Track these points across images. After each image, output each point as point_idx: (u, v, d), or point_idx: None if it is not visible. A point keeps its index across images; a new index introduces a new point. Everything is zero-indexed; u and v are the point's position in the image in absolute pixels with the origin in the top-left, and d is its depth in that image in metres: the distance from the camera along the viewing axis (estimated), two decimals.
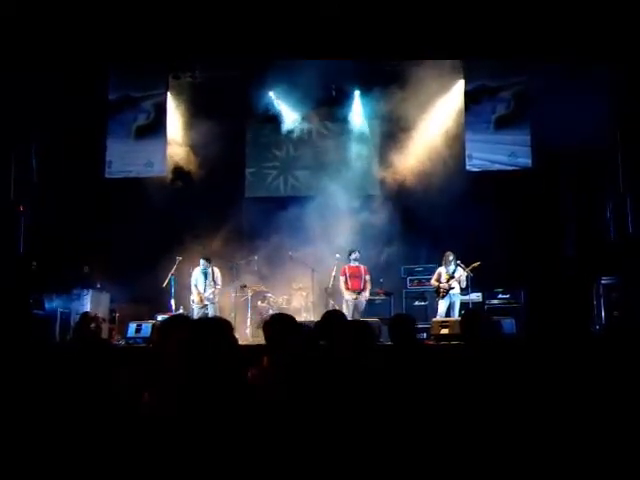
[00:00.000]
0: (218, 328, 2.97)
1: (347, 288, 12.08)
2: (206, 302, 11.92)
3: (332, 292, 12.24)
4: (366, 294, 12.14)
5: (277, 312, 4.45)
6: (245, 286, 12.27)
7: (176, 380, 2.78)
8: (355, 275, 12.10)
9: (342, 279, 12.14)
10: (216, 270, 12.11)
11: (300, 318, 11.38)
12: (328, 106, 14.10)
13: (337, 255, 12.26)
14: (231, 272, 12.58)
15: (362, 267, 12.18)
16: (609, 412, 3.26)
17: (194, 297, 12.00)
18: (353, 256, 12.13)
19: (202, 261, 12.01)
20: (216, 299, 12.07)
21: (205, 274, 12.00)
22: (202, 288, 11.97)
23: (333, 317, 4.69)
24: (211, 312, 11.81)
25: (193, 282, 12.05)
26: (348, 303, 12.02)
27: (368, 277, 12.17)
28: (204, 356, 2.80)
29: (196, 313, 11.85)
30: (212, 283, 11.94)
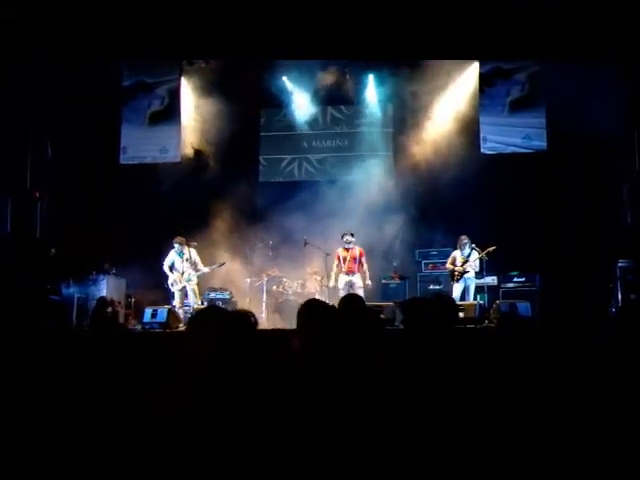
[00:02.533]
0: (250, 325, 2.96)
1: (341, 271, 11.98)
2: (184, 284, 11.80)
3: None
4: (367, 280, 11.97)
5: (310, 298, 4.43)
6: (224, 263, 12.16)
7: (197, 378, 2.76)
8: (348, 258, 11.96)
9: (335, 263, 12.09)
10: (193, 251, 11.94)
11: None
12: (342, 90, 14.05)
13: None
14: (246, 256, 12.62)
15: (357, 249, 12.04)
16: (625, 400, 3.26)
17: (172, 280, 11.82)
18: (345, 239, 11.96)
19: (176, 244, 11.83)
20: (195, 280, 11.95)
21: (181, 256, 11.86)
22: (180, 270, 11.86)
23: (350, 302, 4.69)
24: (190, 293, 11.79)
25: (168, 264, 11.85)
26: (341, 285, 11.93)
27: (364, 260, 12.00)
28: (235, 353, 2.79)
29: (177, 295, 11.80)
30: (188, 264, 11.87)
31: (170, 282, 11.87)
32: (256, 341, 2.90)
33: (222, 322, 2.93)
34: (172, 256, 11.92)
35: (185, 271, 11.82)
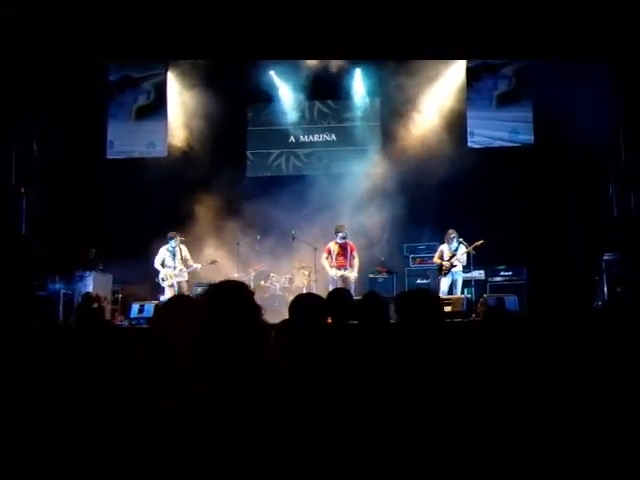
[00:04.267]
0: (237, 295, 2.82)
1: (332, 266, 11.89)
2: (175, 279, 11.81)
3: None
4: (354, 273, 11.90)
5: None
6: (215, 261, 12.16)
7: (190, 372, 2.66)
8: (341, 253, 11.88)
9: (324, 256, 12.00)
10: (184, 248, 11.97)
11: None
12: (329, 84, 14.01)
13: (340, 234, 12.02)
14: (233, 251, 12.60)
15: (349, 244, 11.99)
16: (610, 392, 3.26)
17: (163, 275, 11.84)
18: (341, 233, 11.84)
19: (171, 240, 11.83)
20: (186, 277, 11.98)
21: (173, 252, 11.87)
22: (171, 266, 11.86)
23: (340, 295, 4.69)
24: (180, 289, 11.79)
25: (159, 260, 11.87)
26: (334, 280, 11.84)
27: (355, 254, 11.96)
28: (225, 335, 2.67)
29: (167, 291, 11.77)
30: (180, 261, 11.86)
31: (161, 277, 11.86)
32: (240, 310, 2.78)
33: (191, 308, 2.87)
34: (163, 252, 11.90)
35: (177, 267, 11.81)
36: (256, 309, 2.78)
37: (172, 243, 11.82)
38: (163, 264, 11.85)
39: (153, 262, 11.94)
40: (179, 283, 11.83)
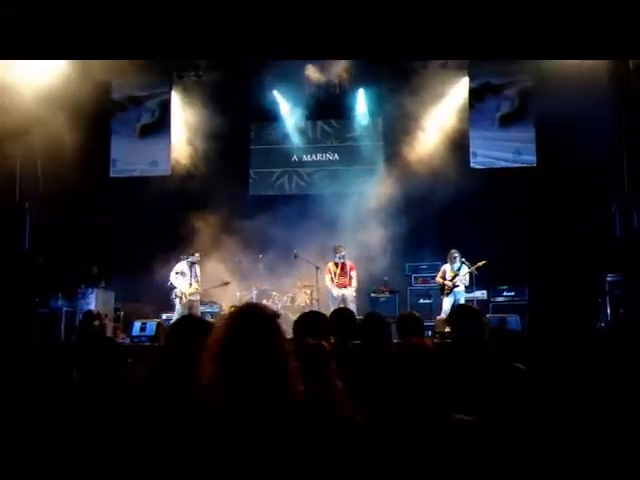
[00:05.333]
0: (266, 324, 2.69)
1: (333, 285, 11.93)
2: (189, 298, 11.70)
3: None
4: (352, 289, 11.89)
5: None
6: (228, 283, 12.17)
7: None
8: (341, 273, 11.90)
9: (328, 277, 12.00)
10: (198, 267, 11.94)
11: None
12: (332, 104, 14.07)
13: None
14: (235, 270, 12.59)
15: (348, 263, 12.02)
16: (612, 412, 3.25)
17: (179, 292, 11.67)
18: (339, 254, 11.92)
19: (192, 257, 11.81)
20: (198, 297, 11.96)
21: (191, 267, 11.82)
22: (188, 284, 11.76)
23: (343, 316, 4.70)
24: (191, 308, 11.62)
25: (176, 272, 11.73)
26: (335, 298, 11.87)
27: (354, 273, 11.97)
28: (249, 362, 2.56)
29: (178, 308, 11.63)
30: (195, 280, 11.79)
31: (177, 294, 11.70)
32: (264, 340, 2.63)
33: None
34: (184, 266, 11.80)
35: (192, 283, 11.76)
36: (282, 338, 2.65)
37: (192, 259, 11.80)
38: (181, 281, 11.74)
39: (160, 281, 11.83)
40: (190, 301, 11.72)
